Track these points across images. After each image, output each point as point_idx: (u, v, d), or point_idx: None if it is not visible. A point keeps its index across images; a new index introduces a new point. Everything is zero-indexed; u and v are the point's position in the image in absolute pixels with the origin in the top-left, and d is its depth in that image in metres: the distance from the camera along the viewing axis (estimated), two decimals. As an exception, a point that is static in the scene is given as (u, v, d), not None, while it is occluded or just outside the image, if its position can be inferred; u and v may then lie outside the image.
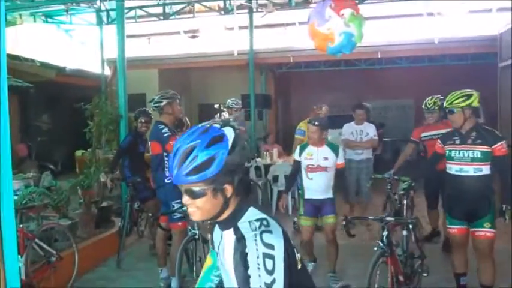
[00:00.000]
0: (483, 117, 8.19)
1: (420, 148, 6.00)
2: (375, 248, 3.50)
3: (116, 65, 8.14)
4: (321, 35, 4.77)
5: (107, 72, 12.44)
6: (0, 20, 2.19)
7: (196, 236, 4.24)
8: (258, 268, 1.36)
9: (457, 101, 3.75)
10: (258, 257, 1.37)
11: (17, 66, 9.47)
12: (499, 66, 8.95)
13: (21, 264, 4.00)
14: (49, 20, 11.62)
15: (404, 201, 4.73)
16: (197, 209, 1.47)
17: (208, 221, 1.57)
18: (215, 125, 1.47)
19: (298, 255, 1.53)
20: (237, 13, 10.55)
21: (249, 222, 1.46)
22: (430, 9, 10.54)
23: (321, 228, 5.11)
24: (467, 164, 3.74)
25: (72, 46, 13.03)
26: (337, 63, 12.47)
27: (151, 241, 5.86)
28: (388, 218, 3.61)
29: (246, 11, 10.82)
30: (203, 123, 1.50)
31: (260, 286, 1.35)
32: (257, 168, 8.25)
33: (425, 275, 4.01)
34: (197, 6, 10.87)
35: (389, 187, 5.54)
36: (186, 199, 1.47)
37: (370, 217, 3.91)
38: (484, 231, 3.72)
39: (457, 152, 3.79)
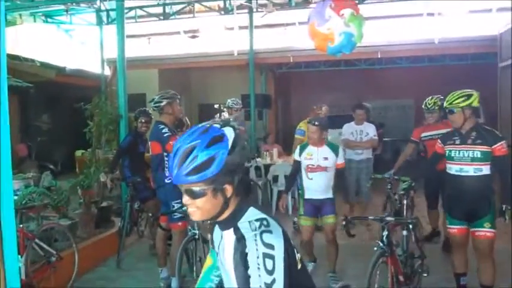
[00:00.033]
0: (483, 117, 8.19)
1: (420, 148, 5.99)
2: (375, 248, 3.50)
3: (116, 65, 8.14)
4: (321, 35, 4.76)
5: (107, 72, 12.44)
6: (0, 20, 2.19)
7: (196, 236, 4.24)
8: (258, 268, 1.36)
9: (456, 101, 3.75)
10: (258, 257, 1.37)
11: (17, 66, 9.47)
12: (499, 66, 8.95)
13: (21, 264, 4.00)
14: (49, 20, 11.62)
15: (404, 201, 4.73)
16: (197, 209, 1.47)
17: (208, 221, 1.57)
18: (215, 125, 1.47)
19: (298, 255, 1.52)
20: (237, 13, 10.56)
21: (249, 222, 1.46)
22: (430, 9, 10.55)
23: (321, 228, 5.11)
24: (467, 164, 3.73)
25: (72, 46, 13.04)
26: (337, 63, 12.47)
27: (151, 241, 5.86)
28: (388, 218, 3.60)
29: (246, 11, 10.82)
30: (203, 123, 1.49)
31: (260, 286, 1.35)
32: (257, 168, 8.25)
33: (425, 275, 4.01)
34: (197, 6, 10.88)
35: (389, 187, 5.54)
36: (186, 199, 1.47)
37: (370, 217, 3.91)
38: (484, 231, 3.71)
39: (457, 152, 3.79)
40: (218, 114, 16.18)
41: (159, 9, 11.16)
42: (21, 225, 4.22)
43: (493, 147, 3.67)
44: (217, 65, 12.63)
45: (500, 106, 8.77)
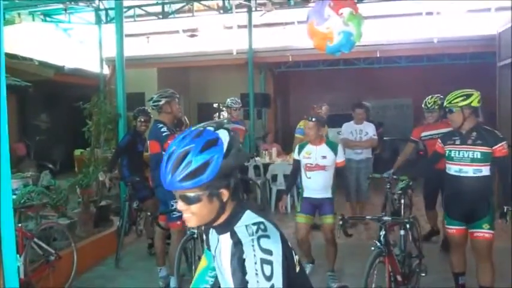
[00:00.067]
0: (482, 116, 8.17)
1: (419, 147, 5.98)
2: (372, 248, 3.50)
3: (114, 64, 8.13)
4: (320, 34, 4.76)
5: (106, 71, 12.43)
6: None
7: (195, 235, 4.24)
8: (256, 274, 1.34)
9: (456, 100, 3.74)
10: (255, 263, 1.35)
11: (16, 65, 9.46)
12: (498, 66, 8.93)
13: (20, 264, 4.00)
14: (48, 19, 11.60)
15: (402, 201, 4.73)
16: (192, 214, 1.43)
17: (203, 227, 1.55)
18: (209, 128, 1.43)
19: (296, 257, 1.51)
20: (236, 12, 10.56)
21: (246, 226, 1.43)
22: (428, 9, 10.54)
23: (318, 227, 5.11)
24: (466, 164, 3.71)
25: (71, 45, 13.02)
26: (336, 63, 12.46)
27: (150, 240, 5.86)
28: (386, 218, 3.61)
29: (245, 10, 10.82)
30: (197, 126, 1.46)
31: None
32: (256, 167, 8.25)
33: (423, 274, 4.01)
34: (196, 5, 10.88)
35: (388, 187, 5.53)
36: (180, 205, 1.43)
37: (367, 217, 3.91)
38: (483, 232, 3.69)
39: (457, 152, 3.77)
40: (217, 114, 16.20)
41: (158, 8, 11.15)
42: (20, 225, 4.22)
43: (493, 148, 3.66)
44: (216, 64, 12.61)
45: (499, 105, 8.76)
